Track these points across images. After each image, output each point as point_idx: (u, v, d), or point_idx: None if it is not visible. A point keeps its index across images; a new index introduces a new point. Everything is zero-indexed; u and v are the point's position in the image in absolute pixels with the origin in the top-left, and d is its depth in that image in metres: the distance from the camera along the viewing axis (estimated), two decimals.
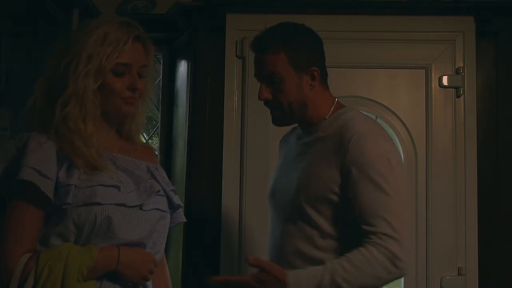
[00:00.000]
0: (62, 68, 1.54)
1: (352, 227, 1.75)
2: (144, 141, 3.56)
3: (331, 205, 1.77)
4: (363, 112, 1.99)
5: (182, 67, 3.12)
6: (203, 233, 2.86)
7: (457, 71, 2.89)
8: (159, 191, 1.61)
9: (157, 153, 3.28)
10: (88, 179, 1.50)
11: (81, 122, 1.53)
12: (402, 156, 2.87)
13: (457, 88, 2.89)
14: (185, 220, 1.76)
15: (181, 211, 1.74)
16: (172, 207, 1.69)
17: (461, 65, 2.89)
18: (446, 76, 2.89)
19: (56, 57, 1.58)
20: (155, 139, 3.57)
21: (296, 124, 1.98)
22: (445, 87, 2.90)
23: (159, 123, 3.28)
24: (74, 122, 1.52)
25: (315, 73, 1.84)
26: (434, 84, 2.90)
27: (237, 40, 2.90)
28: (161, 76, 3.28)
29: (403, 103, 2.91)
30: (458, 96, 2.88)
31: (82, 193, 1.47)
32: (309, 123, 1.89)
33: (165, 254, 3.10)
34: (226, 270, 2.82)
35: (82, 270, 1.43)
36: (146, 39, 1.62)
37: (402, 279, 2.82)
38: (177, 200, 1.70)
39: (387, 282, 1.71)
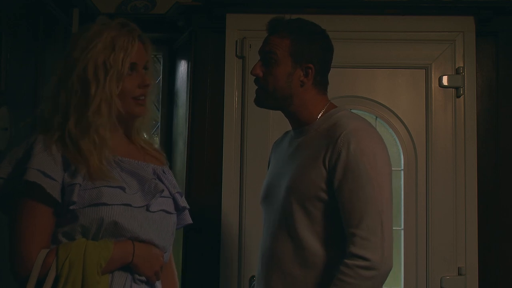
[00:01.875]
0: (76, 77, 1.56)
1: (340, 228, 1.75)
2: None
3: (320, 204, 1.77)
4: (359, 112, 1.98)
5: (182, 67, 3.12)
6: (203, 233, 2.86)
7: (457, 71, 2.89)
8: (163, 191, 1.63)
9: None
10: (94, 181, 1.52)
11: (105, 130, 1.56)
12: (403, 158, 2.88)
13: (457, 88, 2.89)
14: (191, 222, 1.78)
15: (187, 213, 1.77)
16: (178, 209, 1.70)
17: (461, 65, 2.89)
18: (446, 76, 2.89)
19: (63, 67, 1.60)
20: (155, 139, 3.57)
21: (289, 129, 1.99)
22: (445, 87, 2.90)
23: (159, 123, 3.28)
24: (102, 131, 1.55)
25: (309, 70, 1.86)
26: (434, 84, 2.90)
27: (237, 40, 2.90)
28: (161, 76, 3.28)
29: (403, 103, 2.91)
30: (458, 96, 2.88)
31: (88, 194, 1.50)
32: (302, 123, 1.89)
33: None
34: (225, 271, 2.82)
35: (101, 262, 1.46)
36: (144, 37, 1.67)
37: (402, 279, 2.82)
38: (183, 202, 1.72)
39: (377, 284, 1.71)
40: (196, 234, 2.85)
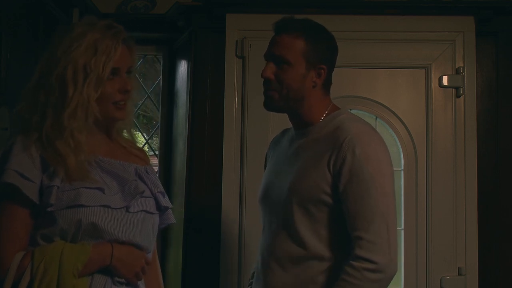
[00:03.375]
0: (55, 77, 1.55)
1: (342, 230, 1.75)
2: (144, 141, 3.56)
3: (323, 207, 1.77)
4: (359, 112, 1.97)
5: (182, 67, 3.12)
6: (203, 233, 2.86)
7: (457, 71, 2.89)
8: (143, 192, 1.62)
9: (156, 153, 3.28)
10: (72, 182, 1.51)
11: (80, 134, 1.54)
12: (403, 158, 2.89)
13: (457, 88, 2.89)
14: (174, 221, 1.77)
15: (170, 213, 1.75)
16: (160, 209, 1.69)
17: (461, 65, 2.89)
18: (446, 76, 2.89)
19: (45, 65, 1.58)
20: (155, 139, 3.57)
21: (288, 127, 1.99)
22: (445, 87, 2.90)
23: (159, 123, 3.29)
24: (77, 134, 1.54)
25: (322, 71, 1.84)
26: (434, 84, 2.90)
27: (237, 40, 2.90)
28: (161, 76, 3.28)
29: (403, 103, 2.91)
30: (458, 96, 2.89)
31: (66, 195, 1.49)
32: (304, 124, 1.89)
33: (165, 254, 3.12)
34: (225, 271, 2.82)
35: (77, 265, 1.45)
36: (130, 40, 1.64)
37: (402, 279, 2.82)
38: (165, 202, 1.70)
39: (383, 287, 1.73)
40: (196, 234, 2.85)
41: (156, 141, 3.48)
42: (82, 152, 1.54)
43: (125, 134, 1.75)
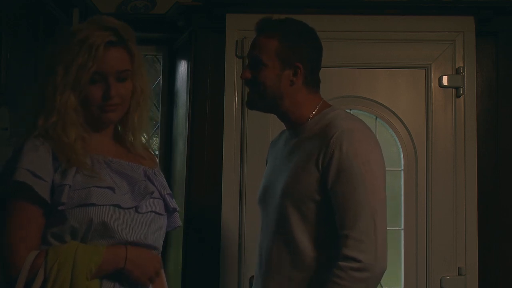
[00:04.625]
0: (41, 79, 1.56)
1: (335, 231, 1.74)
2: (144, 141, 3.56)
3: (315, 206, 1.76)
4: (359, 112, 1.97)
5: (182, 67, 3.12)
6: (203, 233, 2.86)
7: (457, 71, 2.89)
8: (153, 192, 1.61)
9: (156, 153, 3.29)
10: (83, 181, 1.50)
11: (62, 133, 1.53)
12: (403, 158, 2.88)
13: (457, 88, 2.89)
14: (181, 224, 1.77)
15: (177, 215, 1.74)
16: (168, 210, 1.69)
17: (461, 65, 2.89)
18: (446, 76, 2.89)
19: (42, 67, 1.59)
20: (155, 139, 3.57)
21: (284, 128, 1.98)
22: (445, 87, 2.90)
23: (159, 123, 3.29)
24: (56, 133, 1.53)
25: (298, 70, 1.84)
26: (434, 84, 2.90)
27: (237, 40, 2.90)
28: (161, 76, 3.28)
29: (403, 103, 2.91)
30: (458, 96, 2.89)
31: (77, 194, 1.48)
32: (295, 123, 1.88)
33: (165, 255, 3.12)
34: (225, 271, 2.82)
35: (91, 266, 1.44)
36: (129, 42, 1.59)
37: (402, 279, 2.82)
38: (173, 204, 1.70)
39: (371, 285, 1.71)
40: (196, 234, 2.85)
41: (156, 141, 3.47)
42: (77, 153, 1.53)
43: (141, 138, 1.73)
